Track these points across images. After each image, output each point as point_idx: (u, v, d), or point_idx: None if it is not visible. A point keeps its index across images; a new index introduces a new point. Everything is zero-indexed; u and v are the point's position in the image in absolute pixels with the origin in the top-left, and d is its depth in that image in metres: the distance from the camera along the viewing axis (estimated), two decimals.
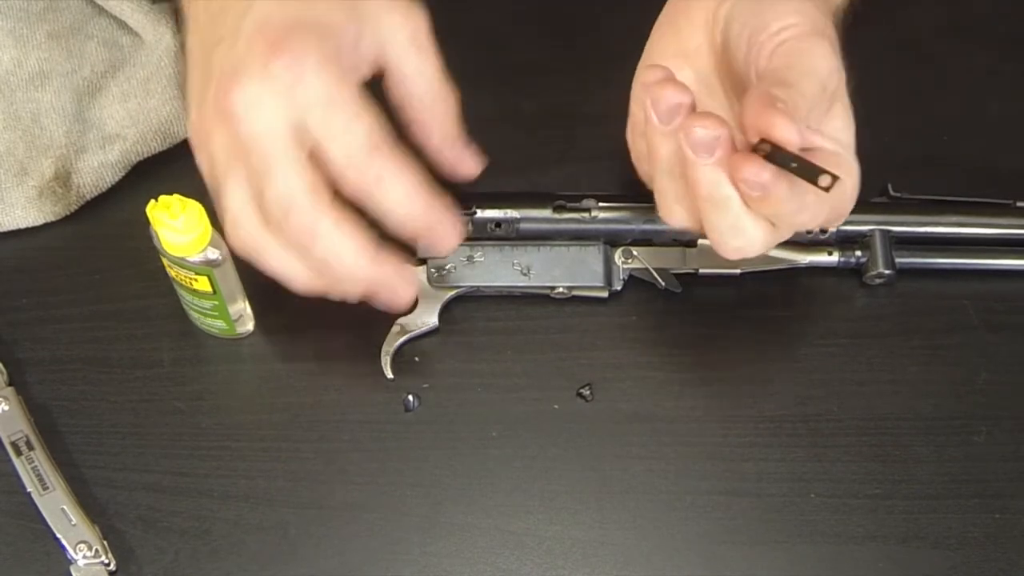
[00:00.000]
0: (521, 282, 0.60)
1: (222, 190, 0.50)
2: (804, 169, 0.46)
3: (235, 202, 0.50)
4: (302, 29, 0.49)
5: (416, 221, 0.51)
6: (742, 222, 0.49)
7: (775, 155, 0.46)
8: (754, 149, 0.46)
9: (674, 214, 0.52)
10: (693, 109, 0.49)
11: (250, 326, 0.59)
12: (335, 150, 0.49)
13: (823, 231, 0.60)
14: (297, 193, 0.48)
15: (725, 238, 0.50)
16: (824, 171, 0.45)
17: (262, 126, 0.48)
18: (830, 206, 0.50)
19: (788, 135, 0.46)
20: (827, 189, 0.45)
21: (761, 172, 0.46)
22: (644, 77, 0.50)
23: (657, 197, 0.53)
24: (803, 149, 0.48)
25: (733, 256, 0.51)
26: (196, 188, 0.53)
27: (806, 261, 0.60)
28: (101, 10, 0.62)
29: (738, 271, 0.60)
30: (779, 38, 0.50)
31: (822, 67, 0.49)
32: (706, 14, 0.54)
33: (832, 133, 0.51)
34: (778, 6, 0.51)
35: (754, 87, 0.49)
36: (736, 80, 0.53)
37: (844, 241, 0.61)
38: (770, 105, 0.46)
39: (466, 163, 0.55)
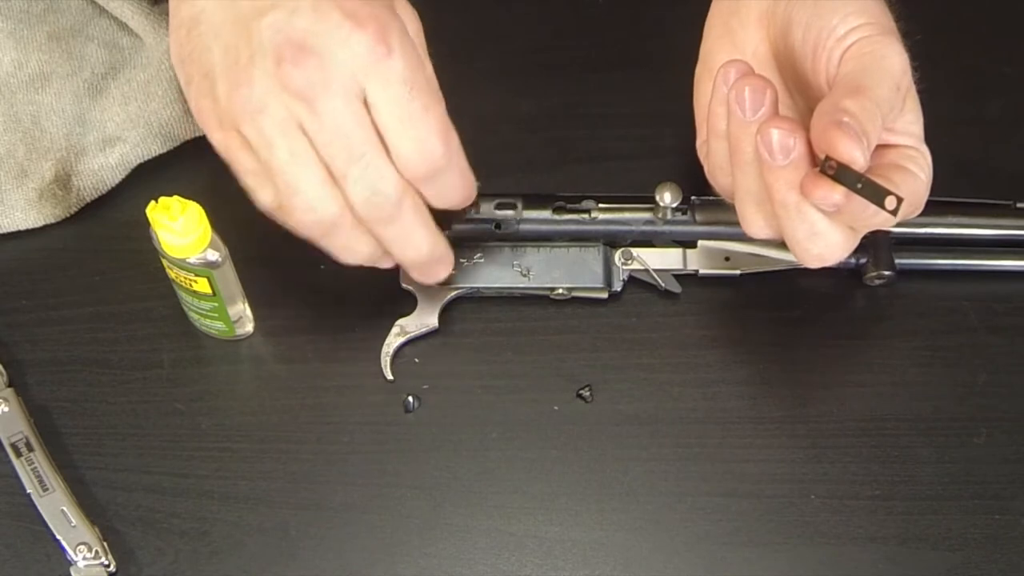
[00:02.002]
0: (521, 283, 0.60)
1: (284, 169, 0.48)
2: (870, 190, 0.45)
3: (308, 183, 0.48)
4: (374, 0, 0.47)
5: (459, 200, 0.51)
6: (819, 227, 0.49)
7: (842, 174, 0.46)
8: (821, 166, 0.46)
9: (754, 223, 0.52)
10: (776, 99, 0.48)
11: (250, 328, 0.59)
12: (407, 140, 0.48)
13: None
14: (388, 181, 0.48)
15: (805, 245, 0.50)
16: (889, 192, 0.45)
17: (342, 103, 0.46)
18: (906, 202, 0.49)
19: (852, 155, 0.45)
20: (894, 212, 0.45)
21: (831, 195, 0.46)
22: (725, 73, 0.50)
23: (738, 205, 0.52)
24: (880, 146, 0.48)
25: (814, 264, 0.50)
26: (196, 189, 0.53)
27: None
28: (102, 12, 0.62)
29: (738, 272, 0.60)
30: (847, 41, 0.49)
31: (895, 67, 0.49)
32: (760, 13, 0.54)
33: (904, 127, 0.51)
34: (839, 5, 0.50)
35: (824, 99, 0.48)
36: (802, 82, 0.53)
37: None
38: (835, 123, 0.46)
39: None
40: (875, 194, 0.46)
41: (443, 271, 0.54)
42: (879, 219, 0.48)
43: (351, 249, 0.51)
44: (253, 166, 0.50)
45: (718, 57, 0.55)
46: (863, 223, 0.49)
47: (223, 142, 0.50)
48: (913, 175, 0.50)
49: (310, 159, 0.48)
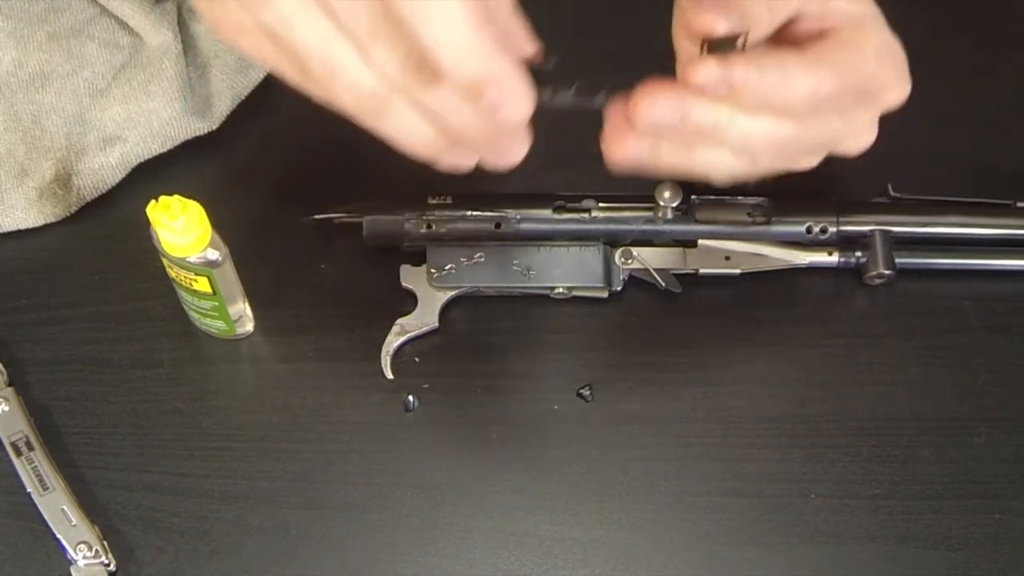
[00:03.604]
0: (521, 282, 0.60)
1: (316, 51, 0.43)
2: (726, 44, 0.45)
3: (345, 60, 0.42)
4: None
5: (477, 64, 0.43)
6: (744, 127, 0.46)
7: (711, 51, 0.45)
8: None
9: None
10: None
11: (250, 327, 0.59)
12: None
13: (823, 231, 0.60)
14: (470, 36, 0.41)
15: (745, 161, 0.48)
16: (735, 37, 0.44)
17: None
18: (835, 66, 0.46)
19: (713, 25, 0.44)
20: (743, 46, 0.44)
21: (703, 66, 0.44)
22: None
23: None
24: (812, 16, 0.47)
25: (784, 159, 0.49)
26: (196, 189, 0.53)
27: (806, 261, 0.60)
28: (102, 11, 0.62)
29: (738, 271, 0.60)
30: None
31: None
32: None
33: (835, 10, 0.49)
34: None
35: None
36: None
37: (844, 241, 0.61)
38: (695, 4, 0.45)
39: None
40: (731, 44, 0.45)
41: (516, 147, 0.48)
42: (802, 85, 0.46)
43: (410, 130, 0.45)
44: (288, 60, 0.45)
45: None
46: (787, 98, 0.46)
47: (253, 47, 0.45)
48: (847, 45, 0.48)
49: (339, 35, 0.43)
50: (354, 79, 0.44)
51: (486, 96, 0.43)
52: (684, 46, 0.51)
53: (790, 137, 0.48)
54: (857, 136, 0.52)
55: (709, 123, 0.46)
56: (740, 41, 0.45)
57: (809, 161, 0.53)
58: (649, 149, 0.48)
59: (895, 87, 0.51)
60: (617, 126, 0.47)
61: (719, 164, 0.49)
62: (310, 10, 0.43)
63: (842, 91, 0.48)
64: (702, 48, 0.45)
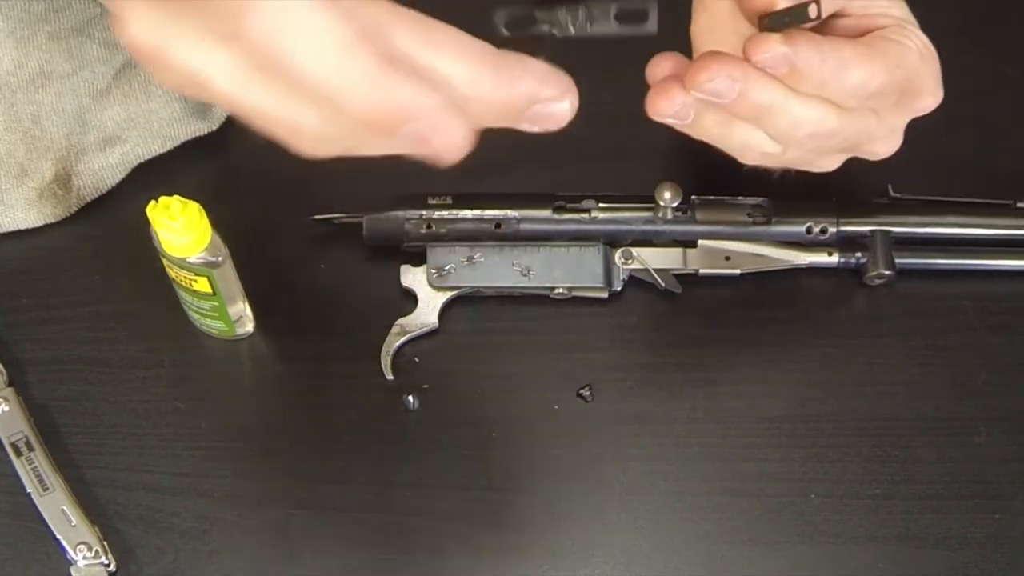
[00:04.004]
0: (521, 283, 0.60)
1: (256, 108, 0.37)
2: (795, 15, 0.44)
3: (306, 116, 0.37)
4: None
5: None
6: (795, 112, 0.45)
7: (772, 27, 0.44)
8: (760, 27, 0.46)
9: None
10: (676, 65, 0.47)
11: (250, 327, 0.59)
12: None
13: (823, 231, 0.60)
14: (344, 68, 0.35)
15: (792, 136, 0.47)
16: (809, 2, 0.43)
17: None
18: (886, 61, 0.46)
19: None
20: (817, 18, 0.43)
21: (769, 42, 0.43)
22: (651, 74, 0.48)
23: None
24: (859, 31, 0.47)
25: (815, 154, 0.48)
26: (196, 189, 0.53)
27: (806, 261, 0.60)
28: (103, 11, 0.62)
29: (738, 271, 0.60)
30: None
31: None
32: None
33: (882, 9, 0.49)
34: None
35: None
36: None
37: (844, 242, 0.61)
38: None
39: None
40: (800, 15, 0.44)
41: (552, 110, 0.43)
42: (857, 75, 0.45)
43: (406, 145, 0.39)
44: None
45: None
46: (841, 85, 0.46)
47: (224, 105, 0.40)
48: (895, 43, 0.48)
49: (260, 90, 0.37)
50: (303, 130, 0.38)
51: (401, 131, 0.36)
52: (703, 40, 0.51)
53: (831, 130, 0.47)
54: (886, 140, 0.52)
55: (764, 103, 0.46)
56: (814, 13, 0.44)
57: (832, 162, 0.53)
58: (694, 114, 0.47)
59: (930, 94, 0.51)
60: (667, 81, 0.46)
61: (754, 145, 0.49)
62: (227, 73, 0.37)
63: (888, 88, 0.47)
64: (761, 23, 0.45)
